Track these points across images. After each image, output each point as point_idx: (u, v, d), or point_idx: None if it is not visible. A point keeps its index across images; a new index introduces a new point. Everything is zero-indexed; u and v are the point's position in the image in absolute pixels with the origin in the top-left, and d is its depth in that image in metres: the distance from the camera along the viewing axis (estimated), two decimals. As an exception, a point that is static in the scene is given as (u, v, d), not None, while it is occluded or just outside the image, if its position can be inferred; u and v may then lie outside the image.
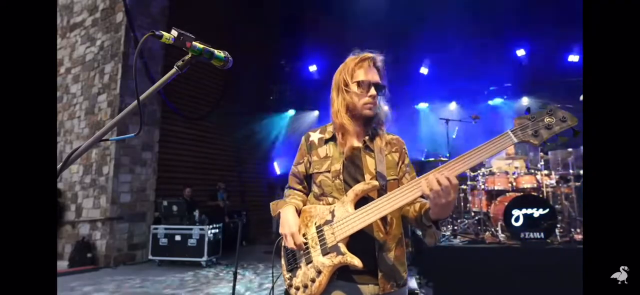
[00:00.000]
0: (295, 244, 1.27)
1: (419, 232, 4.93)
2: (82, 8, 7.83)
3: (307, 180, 1.47)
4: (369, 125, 1.39)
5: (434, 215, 1.19)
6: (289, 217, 1.33)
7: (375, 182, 1.27)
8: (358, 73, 1.36)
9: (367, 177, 1.32)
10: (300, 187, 1.48)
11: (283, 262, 1.37)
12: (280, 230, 1.33)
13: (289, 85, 10.13)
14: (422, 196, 1.17)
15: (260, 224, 9.44)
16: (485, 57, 7.94)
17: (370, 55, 1.39)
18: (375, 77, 1.36)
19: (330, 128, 1.44)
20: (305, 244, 1.29)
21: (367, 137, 1.39)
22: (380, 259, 1.27)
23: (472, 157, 1.14)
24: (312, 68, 9.45)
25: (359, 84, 1.35)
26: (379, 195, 1.27)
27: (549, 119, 1.13)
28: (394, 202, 1.20)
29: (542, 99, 7.87)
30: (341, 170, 1.34)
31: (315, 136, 1.46)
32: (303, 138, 1.49)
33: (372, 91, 1.34)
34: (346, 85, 1.36)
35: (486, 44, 7.80)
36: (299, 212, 1.38)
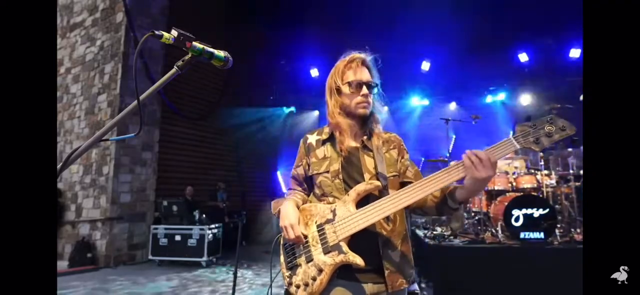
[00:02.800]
0: (295, 235, 1.28)
1: (421, 233, 4.88)
2: (82, 8, 7.82)
3: (307, 182, 1.48)
4: (365, 124, 1.41)
5: (465, 194, 1.21)
6: (289, 210, 1.34)
7: (378, 183, 1.28)
8: (348, 74, 1.38)
9: (366, 176, 1.33)
10: (300, 189, 1.50)
11: (282, 260, 1.38)
12: (280, 223, 1.34)
13: (289, 85, 10.12)
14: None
15: (260, 224, 9.44)
16: (485, 57, 7.93)
17: (358, 55, 1.40)
18: (365, 76, 1.38)
19: (327, 129, 1.46)
20: (306, 241, 1.30)
21: (365, 137, 1.40)
22: (386, 256, 1.27)
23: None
24: (312, 68, 9.46)
25: (349, 84, 1.37)
26: (381, 194, 1.28)
27: (549, 127, 1.17)
28: (398, 201, 1.21)
29: (542, 99, 7.87)
30: (340, 170, 1.35)
31: (312, 138, 1.47)
32: (301, 141, 1.51)
33: (364, 90, 1.36)
34: (338, 87, 1.38)
35: (486, 43, 7.80)
36: (299, 210, 1.39)
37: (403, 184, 1.35)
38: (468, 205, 5.01)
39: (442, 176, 1.19)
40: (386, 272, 1.25)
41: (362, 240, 1.24)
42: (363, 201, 1.27)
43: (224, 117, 9.12)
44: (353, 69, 1.38)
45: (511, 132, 7.63)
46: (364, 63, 1.40)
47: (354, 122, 1.39)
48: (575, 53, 7.78)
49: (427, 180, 1.20)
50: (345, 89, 1.37)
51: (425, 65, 8.84)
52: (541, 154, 4.77)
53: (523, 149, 1.19)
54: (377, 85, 1.40)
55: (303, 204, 1.42)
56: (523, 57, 8.22)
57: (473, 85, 8.65)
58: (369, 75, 1.39)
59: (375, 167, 1.34)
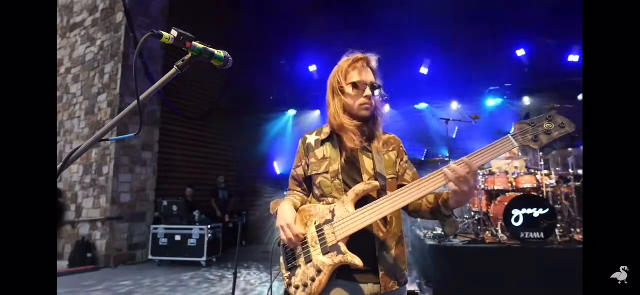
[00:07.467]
0: (292, 235, 1.26)
1: (422, 233, 4.88)
2: (82, 8, 7.82)
3: (307, 182, 1.48)
4: (366, 125, 1.39)
5: (455, 203, 1.21)
6: (286, 210, 1.33)
7: (376, 183, 1.27)
8: (352, 74, 1.36)
9: (365, 177, 1.33)
10: (299, 189, 1.49)
11: (282, 261, 1.38)
12: (277, 224, 1.34)
13: (289, 85, 10.12)
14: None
15: (260, 224, 9.44)
16: (485, 57, 7.93)
17: (363, 56, 1.39)
18: (369, 77, 1.37)
19: (326, 129, 1.45)
20: (304, 242, 1.29)
21: (364, 138, 1.39)
22: (381, 258, 1.28)
23: (475, 160, 1.15)
24: (312, 68, 9.45)
25: (353, 85, 1.35)
26: (379, 195, 1.28)
27: (548, 125, 1.16)
28: (396, 202, 1.21)
29: (542, 99, 7.87)
30: (339, 171, 1.35)
31: (312, 138, 1.46)
32: (300, 141, 1.50)
33: (368, 91, 1.34)
34: (341, 87, 1.36)
35: (486, 44, 7.80)
36: (297, 211, 1.39)
37: (401, 187, 1.34)
38: (468, 205, 5.01)
39: (439, 177, 1.17)
40: (380, 273, 1.26)
41: (359, 242, 1.24)
42: (362, 202, 1.26)
43: (224, 117, 9.11)
44: (358, 70, 1.36)
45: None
46: (368, 64, 1.38)
47: (356, 123, 1.38)
48: (575, 53, 7.78)
49: (425, 180, 1.20)
50: (349, 90, 1.35)
51: (424, 70, 8.84)
52: (541, 153, 4.78)
53: (521, 146, 1.18)
54: (380, 86, 1.39)
55: (302, 205, 1.42)
56: (523, 57, 8.22)
57: (473, 85, 8.64)
58: (372, 76, 1.38)
59: (374, 168, 1.34)
